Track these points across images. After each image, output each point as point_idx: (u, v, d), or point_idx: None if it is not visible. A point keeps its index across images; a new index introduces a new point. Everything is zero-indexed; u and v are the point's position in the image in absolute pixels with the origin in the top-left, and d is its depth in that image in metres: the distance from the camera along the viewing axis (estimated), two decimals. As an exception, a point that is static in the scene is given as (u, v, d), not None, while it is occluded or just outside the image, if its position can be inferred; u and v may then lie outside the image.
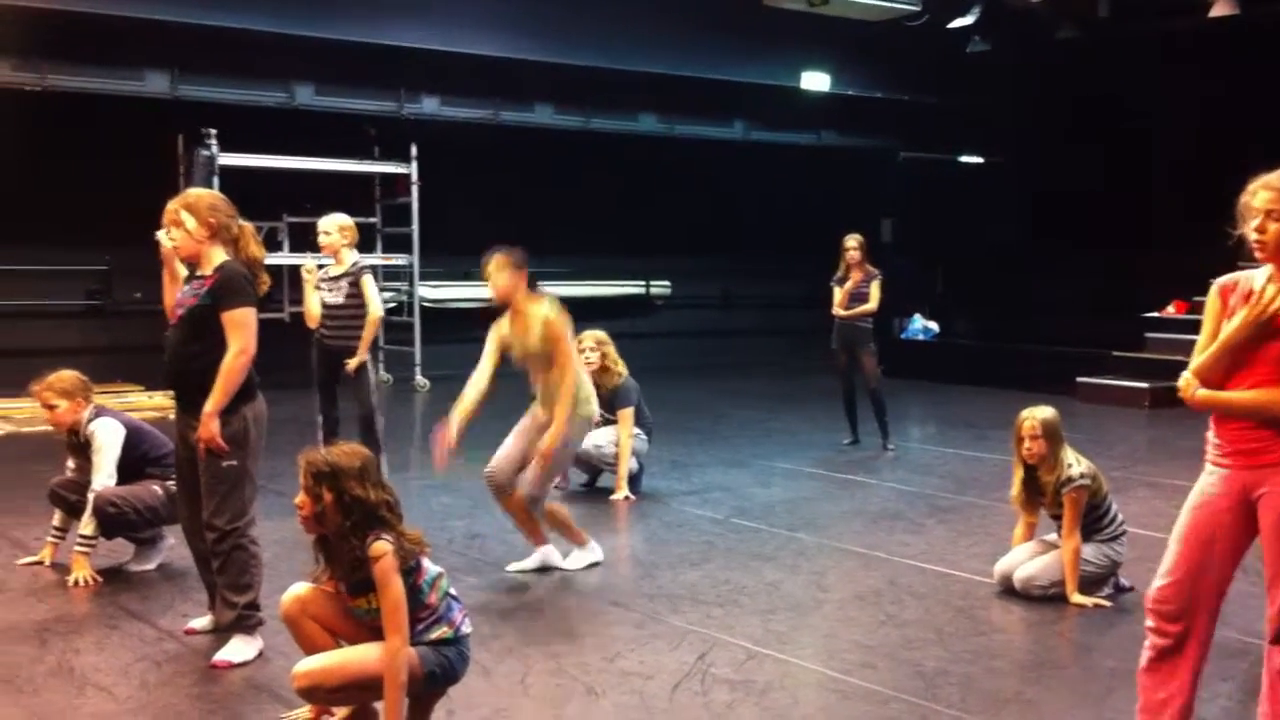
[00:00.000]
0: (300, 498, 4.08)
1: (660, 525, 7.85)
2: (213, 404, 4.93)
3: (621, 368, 8.65)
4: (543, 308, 6.40)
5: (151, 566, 6.53)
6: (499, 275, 6.41)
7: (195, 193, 5.32)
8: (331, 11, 13.61)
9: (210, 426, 4.93)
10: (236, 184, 11.61)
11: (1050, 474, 6.01)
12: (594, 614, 5.86)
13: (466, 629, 4.24)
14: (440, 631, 4.14)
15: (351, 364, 7.89)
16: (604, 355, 8.48)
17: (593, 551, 6.78)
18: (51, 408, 6.35)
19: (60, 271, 14.42)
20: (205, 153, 13.59)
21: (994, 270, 18.51)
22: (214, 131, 13.54)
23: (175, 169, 13.84)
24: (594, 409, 6.65)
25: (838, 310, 10.61)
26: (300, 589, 4.23)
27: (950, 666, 5.09)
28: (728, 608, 5.92)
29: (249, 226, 5.26)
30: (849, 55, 17.01)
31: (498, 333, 6.50)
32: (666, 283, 18.99)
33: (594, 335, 8.58)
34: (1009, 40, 16.26)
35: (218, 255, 5.08)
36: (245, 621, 5.09)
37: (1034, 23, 15.95)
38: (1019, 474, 6.16)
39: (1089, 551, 6.00)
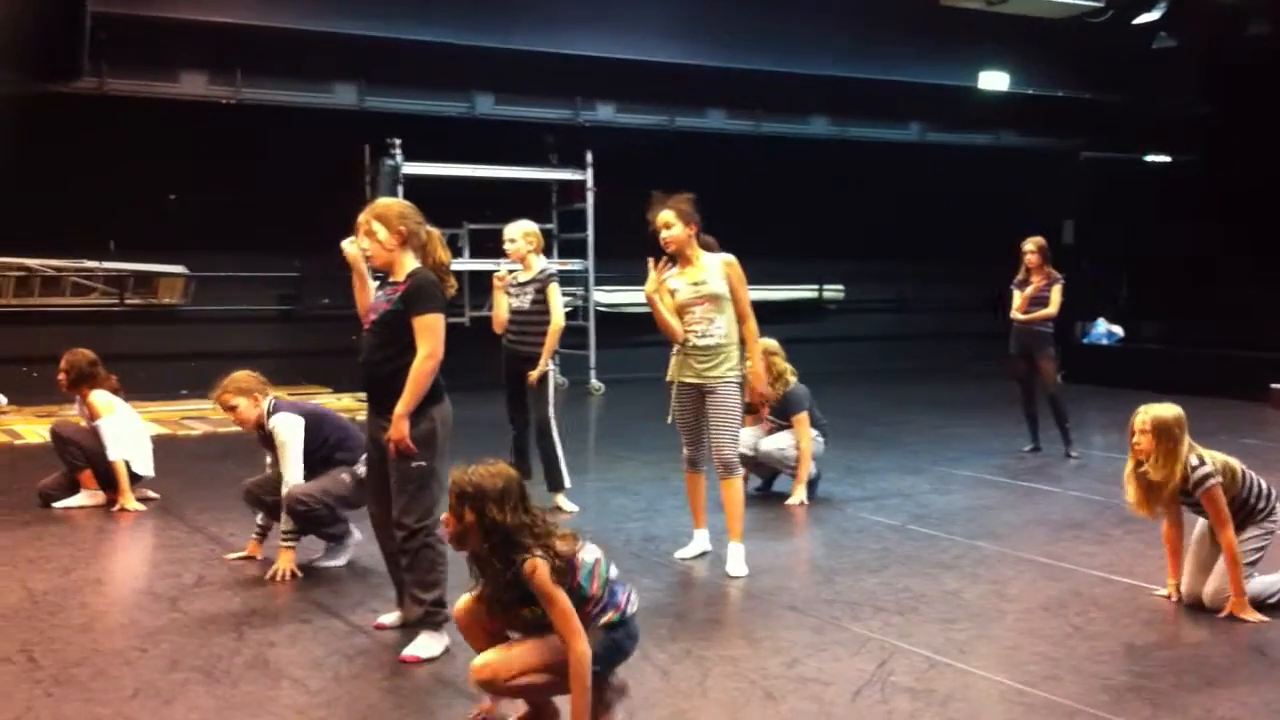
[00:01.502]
0: (446, 515, 4.20)
1: (837, 531, 7.81)
2: (403, 406, 5.08)
3: (790, 374, 8.64)
4: (716, 253, 6.65)
5: (341, 562, 6.74)
6: (677, 227, 6.51)
7: (385, 202, 5.48)
8: (511, 23, 13.87)
9: (400, 428, 5.08)
10: (419, 192, 11.91)
11: (1157, 474, 5.84)
12: (772, 618, 5.86)
13: (632, 608, 4.30)
14: (608, 617, 4.22)
15: (533, 376, 7.99)
16: (770, 366, 8.34)
17: (701, 541, 6.96)
18: (232, 409, 6.63)
19: (254, 278, 15.02)
20: (390, 162, 14.03)
21: (1181, 272, 17.88)
22: (398, 141, 13.96)
23: (362, 178, 14.30)
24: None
25: (1016, 315, 10.43)
26: (470, 598, 4.35)
27: (1140, 681, 4.96)
28: (907, 615, 5.85)
29: (436, 232, 5.41)
30: (1029, 53, 16.65)
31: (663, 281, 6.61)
32: (839, 287, 18.86)
33: (762, 344, 8.56)
34: (1196, 35, 15.72)
35: (409, 262, 5.23)
36: (432, 618, 5.22)
37: (1222, 17, 15.39)
38: (1128, 468, 6.01)
39: (1249, 536, 5.84)
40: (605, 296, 16.12)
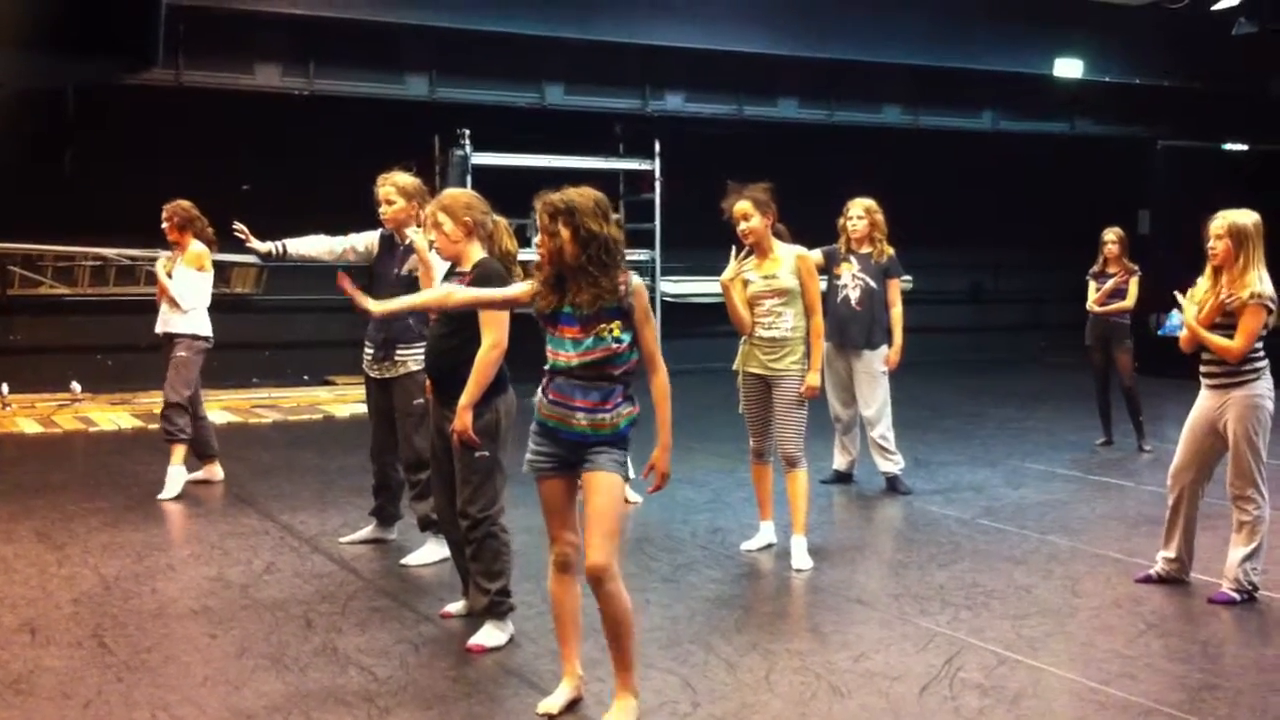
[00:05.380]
0: (539, 237, 4.29)
1: (905, 524, 7.73)
2: (467, 397, 5.08)
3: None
4: (792, 246, 6.65)
5: (434, 559, 6.56)
6: (755, 218, 6.47)
7: (451, 194, 5.49)
8: (583, 13, 13.83)
9: (464, 419, 5.08)
10: (488, 182, 11.95)
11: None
12: (839, 612, 5.81)
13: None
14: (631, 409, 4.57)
15: None
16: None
17: (766, 533, 6.94)
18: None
19: (326, 269, 15.05)
20: (459, 153, 14.06)
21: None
22: (467, 132, 13.99)
23: (432, 169, 14.34)
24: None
25: (1093, 305, 10.27)
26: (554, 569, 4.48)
27: (1217, 680, 4.85)
28: (977, 610, 5.78)
29: (502, 221, 5.42)
30: (1104, 40, 16.34)
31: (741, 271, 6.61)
32: (909, 277, 18.63)
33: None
34: (1278, 21, 15.35)
35: (476, 252, 5.24)
36: (497, 607, 5.23)
37: (1307, 2, 15.03)
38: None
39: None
40: (672, 287, 16.07)
